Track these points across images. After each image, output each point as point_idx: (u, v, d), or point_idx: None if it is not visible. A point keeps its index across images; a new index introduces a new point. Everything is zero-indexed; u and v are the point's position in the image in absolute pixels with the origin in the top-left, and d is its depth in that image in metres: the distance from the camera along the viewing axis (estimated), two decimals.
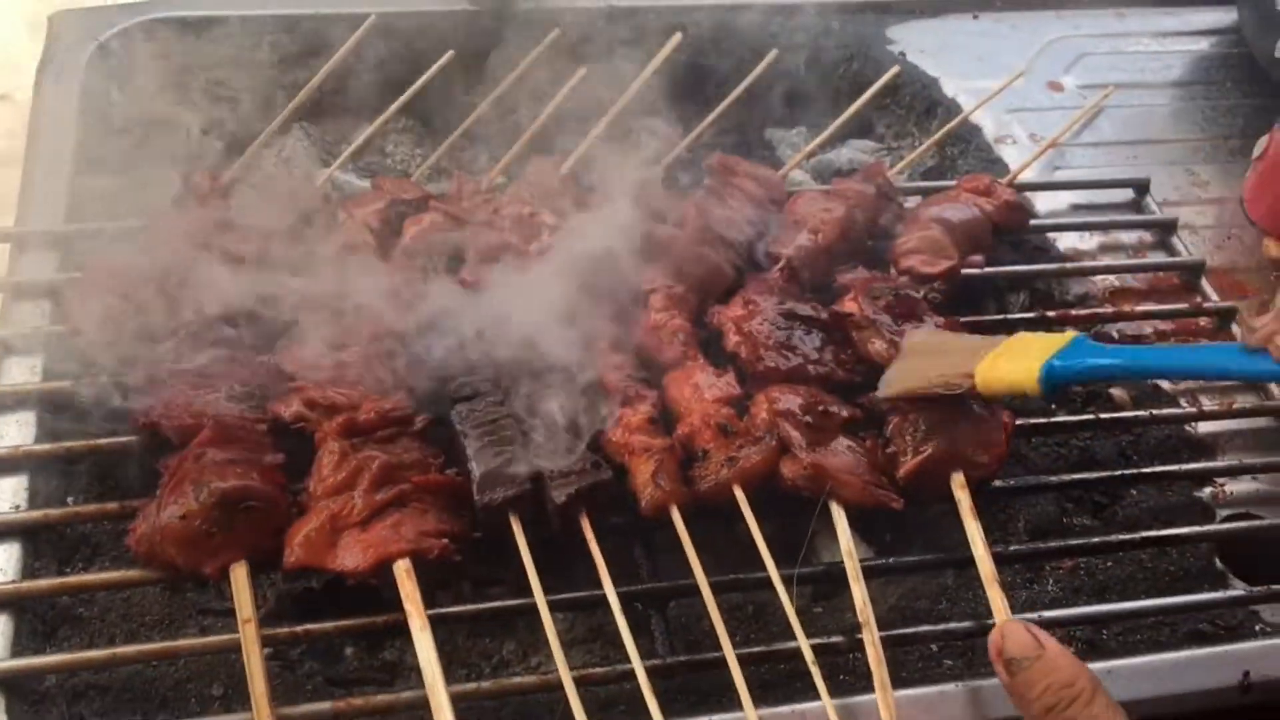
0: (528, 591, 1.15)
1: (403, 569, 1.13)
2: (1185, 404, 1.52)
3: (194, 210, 1.46)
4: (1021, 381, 1.17)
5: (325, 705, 1.10)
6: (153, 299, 1.35)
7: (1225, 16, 2.17)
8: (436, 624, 1.12)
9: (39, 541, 1.23)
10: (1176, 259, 1.71)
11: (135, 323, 1.32)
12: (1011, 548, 1.31)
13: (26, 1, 3.67)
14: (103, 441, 1.27)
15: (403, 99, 1.70)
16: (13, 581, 1.17)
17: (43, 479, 1.27)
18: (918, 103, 1.98)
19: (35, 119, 1.68)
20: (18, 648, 1.13)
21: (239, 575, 1.13)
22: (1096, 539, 1.33)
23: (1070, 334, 1.22)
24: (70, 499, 1.28)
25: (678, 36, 1.79)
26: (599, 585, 1.16)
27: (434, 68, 1.73)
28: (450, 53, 1.74)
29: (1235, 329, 1.60)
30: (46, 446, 1.27)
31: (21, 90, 3.80)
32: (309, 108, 1.72)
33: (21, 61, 3.64)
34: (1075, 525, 1.40)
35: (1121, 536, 1.33)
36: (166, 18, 1.86)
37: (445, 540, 1.16)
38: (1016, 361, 1.19)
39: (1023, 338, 1.24)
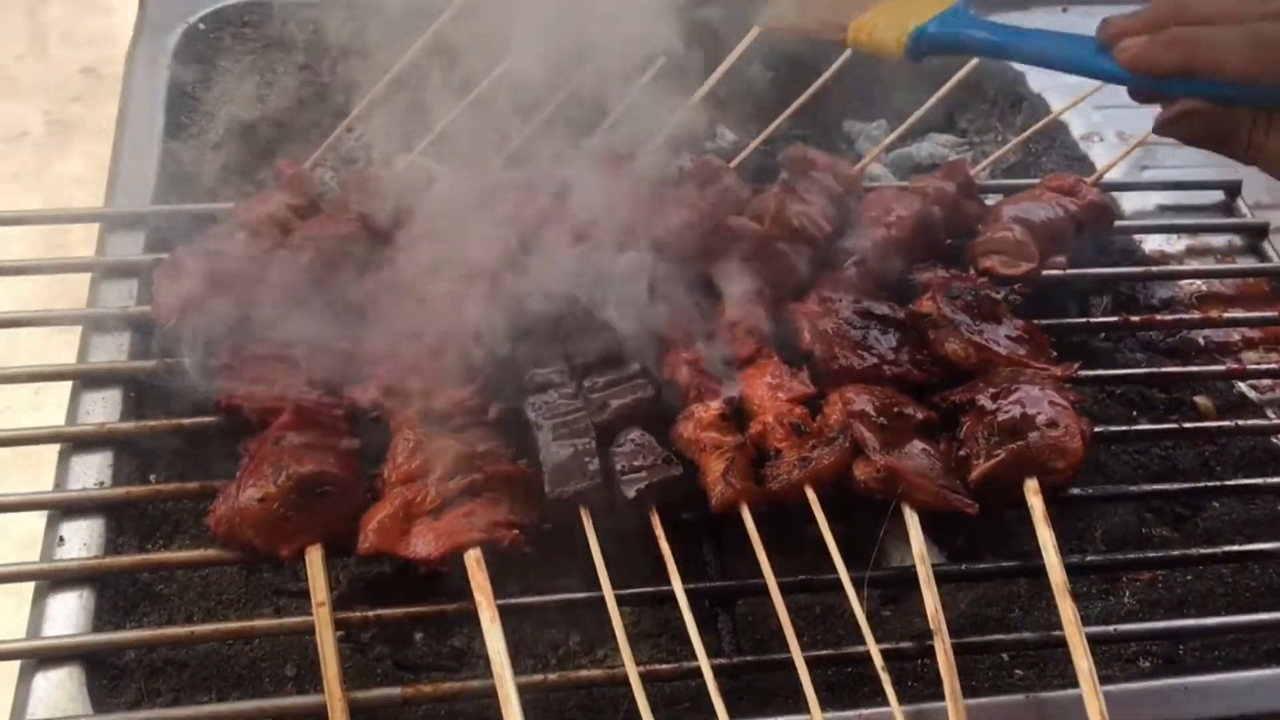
0: (595, 584, 1.15)
1: (474, 558, 1.13)
2: (1273, 415, 1.48)
3: (277, 195, 1.47)
4: (889, 44, 1.07)
5: (395, 690, 1.11)
6: (236, 283, 1.37)
7: None
8: (505, 613, 1.12)
9: (122, 518, 1.26)
10: (1267, 265, 1.66)
11: (219, 306, 1.34)
12: (1087, 558, 1.29)
13: None
14: (185, 421, 1.29)
15: (479, 88, 1.70)
16: (95, 557, 1.19)
17: (126, 457, 1.30)
18: (1002, 97, 1.94)
19: (125, 97, 1.71)
20: (99, 622, 1.16)
21: (314, 558, 1.15)
22: (1176, 552, 1.30)
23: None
24: (153, 477, 1.30)
25: (756, 29, 1.77)
26: (667, 581, 1.16)
27: (508, 60, 1.72)
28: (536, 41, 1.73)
29: None
30: (131, 424, 1.30)
31: (108, 64, 3.87)
32: (394, 93, 1.73)
33: (106, 37, 3.70)
34: (1154, 537, 1.36)
35: (1202, 550, 1.30)
36: (255, 1, 1.88)
37: (516, 531, 1.16)
38: (892, 21, 1.07)
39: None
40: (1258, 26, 0.83)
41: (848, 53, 1.78)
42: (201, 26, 1.83)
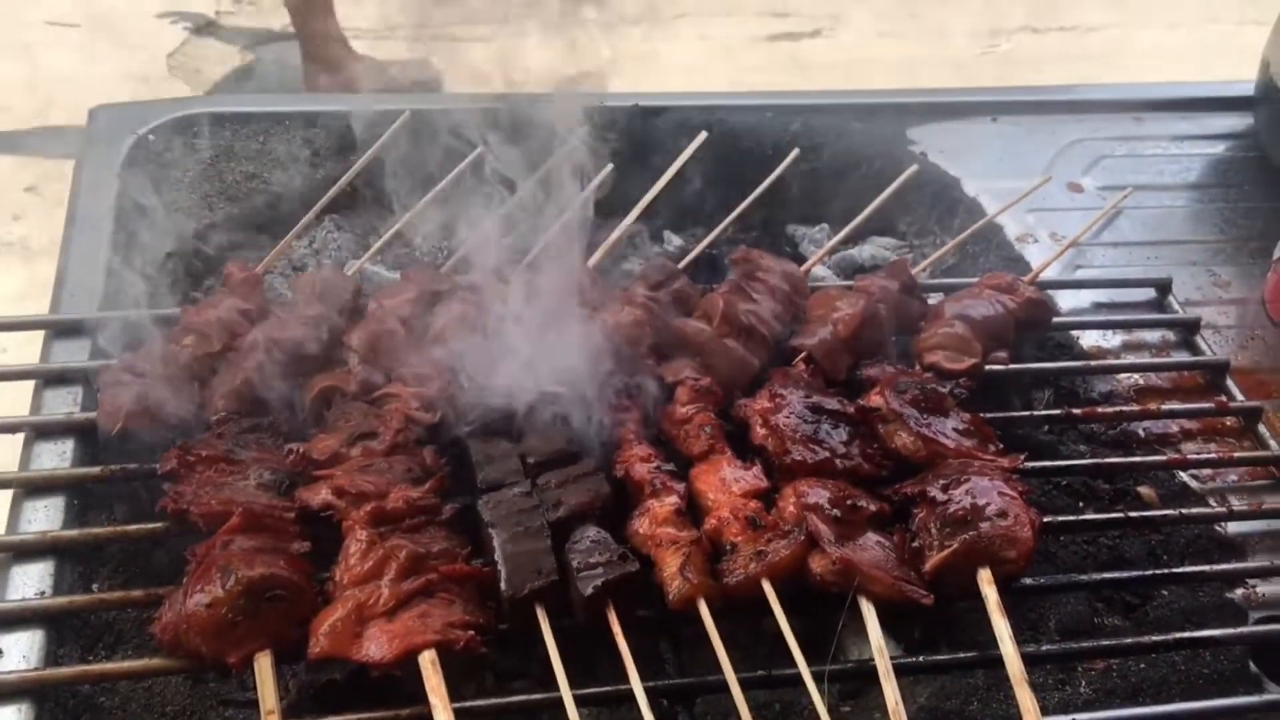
0: (552, 685, 1.14)
1: (428, 660, 1.12)
2: (1214, 503, 1.51)
3: (227, 299, 1.47)
4: None
5: None
6: (183, 387, 1.36)
7: (1241, 121, 2.21)
8: (460, 717, 1.10)
9: (63, 628, 1.22)
10: (1201, 358, 1.72)
11: (166, 410, 1.33)
12: (1043, 647, 1.29)
13: (58, 100, 3.77)
14: (130, 528, 1.27)
15: (430, 195, 1.73)
16: (35, 669, 1.16)
17: (69, 565, 1.27)
18: (939, 202, 2.01)
19: (73, 205, 1.72)
20: None
21: (263, 665, 1.12)
22: (1129, 640, 1.32)
23: None
24: (95, 585, 1.28)
25: (703, 135, 1.83)
26: (624, 679, 1.15)
27: (463, 163, 1.76)
28: (479, 149, 1.77)
29: (1261, 429, 1.60)
30: (74, 532, 1.28)
31: (48, 182, 3.88)
32: (340, 201, 1.75)
33: (48, 156, 3.71)
34: (1107, 625, 1.38)
35: (1155, 638, 1.31)
36: (203, 113, 1.91)
37: (471, 631, 1.15)
38: None
39: None
40: None
41: (788, 160, 1.85)
42: (151, 138, 1.85)
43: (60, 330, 1.51)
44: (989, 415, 1.46)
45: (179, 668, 1.16)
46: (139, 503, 1.31)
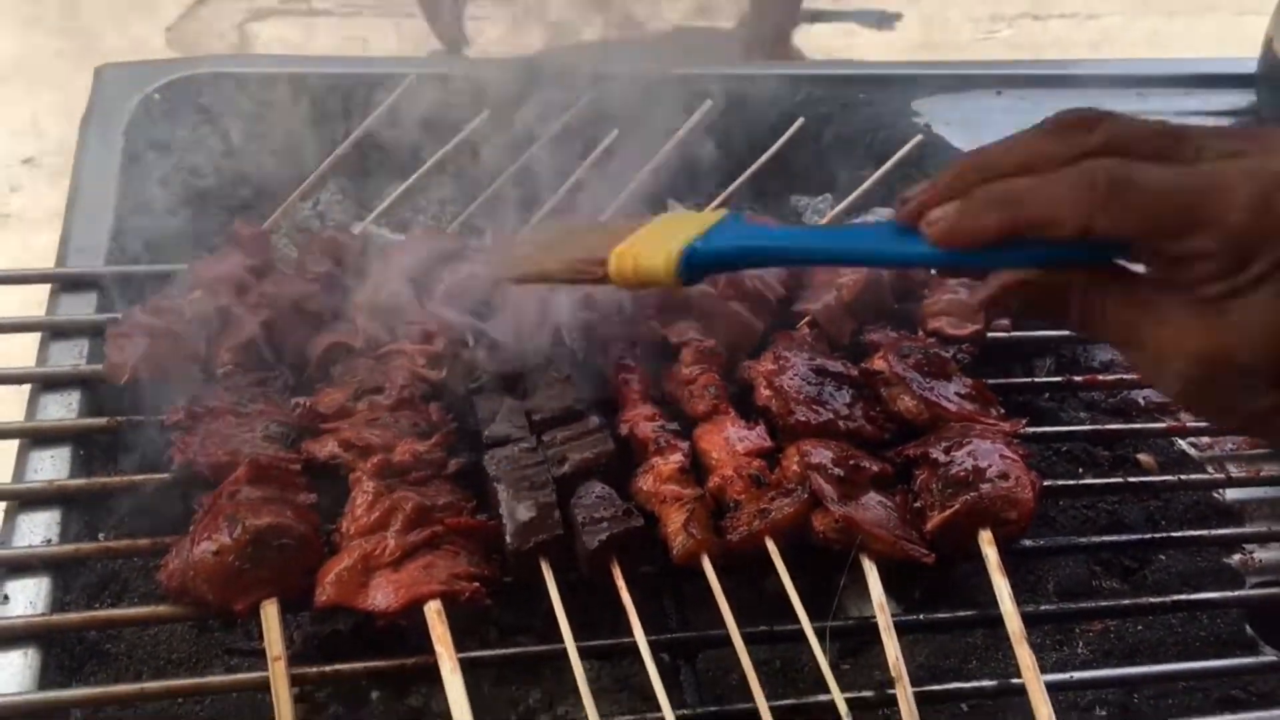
0: (555, 638, 1.14)
1: (434, 610, 1.12)
2: (1212, 470, 1.52)
3: (234, 255, 1.48)
4: (658, 269, 0.91)
5: None
6: (190, 340, 1.37)
7: (1243, 98, 2.21)
8: (464, 667, 1.10)
9: (69, 576, 1.23)
10: None
11: (173, 362, 1.34)
12: (1042, 607, 1.30)
13: (57, 73, 3.76)
14: (138, 478, 1.27)
15: (434, 159, 1.73)
16: (41, 614, 1.16)
17: (75, 514, 1.27)
18: (940, 172, 1.99)
19: (79, 164, 1.71)
20: (44, 681, 1.12)
21: (269, 612, 1.13)
22: (1127, 601, 1.33)
23: (721, 213, 0.97)
24: (102, 535, 1.28)
25: (708, 103, 1.83)
26: (628, 633, 1.15)
27: (466, 129, 1.76)
28: (485, 113, 1.77)
29: None
30: (80, 481, 1.28)
31: (46, 156, 3.88)
32: (346, 163, 1.75)
33: (46, 129, 3.71)
34: (1104, 588, 1.39)
35: (1152, 600, 1.32)
36: (210, 73, 1.91)
37: (476, 583, 1.15)
38: (657, 245, 0.92)
39: (670, 218, 1.01)
40: (1084, 167, 0.68)
41: (793, 128, 1.85)
42: (157, 97, 1.85)
43: (66, 284, 1.50)
44: (991, 381, 1.47)
45: (185, 615, 1.16)
46: (146, 454, 1.30)
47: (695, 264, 0.91)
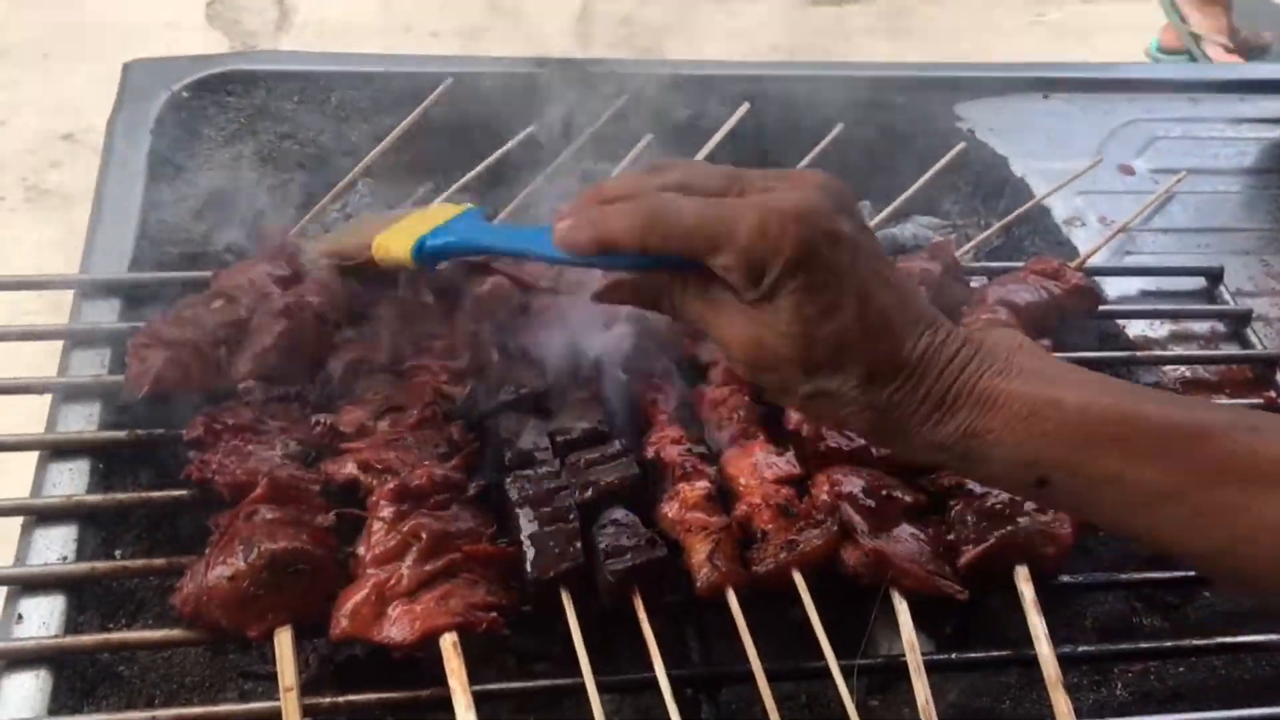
0: (574, 670, 1.11)
1: (449, 643, 1.10)
2: None
3: (260, 264, 1.45)
4: (402, 255, 1.14)
5: None
6: (212, 352, 1.34)
7: None
8: (479, 700, 1.08)
9: (84, 595, 1.21)
10: (1251, 351, 1.66)
11: (193, 375, 1.31)
12: (1079, 648, 1.26)
13: (95, 48, 3.78)
14: (155, 495, 1.26)
15: (476, 170, 1.70)
16: (55, 636, 1.15)
17: (91, 531, 1.25)
18: (985, 181, 1.96)
19: (104, 165, 1.69)
20: (55, 704, 1.11)
21: (283, 640, 1.10)
22: (1169, 643, 1.28)
23: (463, 207, 1.19)
24: (118, 552, 1.26)
25: (745, 106, 1.79)
26: (648, 666, 1.12)
27: (512, 141, 1.72)
28: (531, 127, 1.73)
29: None
30: (98, 497, 1.26)
31: (86, 133, 3.90)
32: (377, 165, 1.72)
33: (85, 104, 3.72)
34: (1145, 626, 1.34)
35: (1195, 642, 1.28)
36: (238, 70, 1.88)
37: (494, 614, 1.13)
38: (405, 235, 1.15)
39: (427, 212, 1.21)
40: (648, 200, 0.85)
41: (832, 134, 1.80)
42: (185, 94, 1.82)
43: (89, 290, 1.48)
44: None
45: (199, 639, 1.14)
46: (164, 469, 1.28)
47: (426, 253, 1.12)
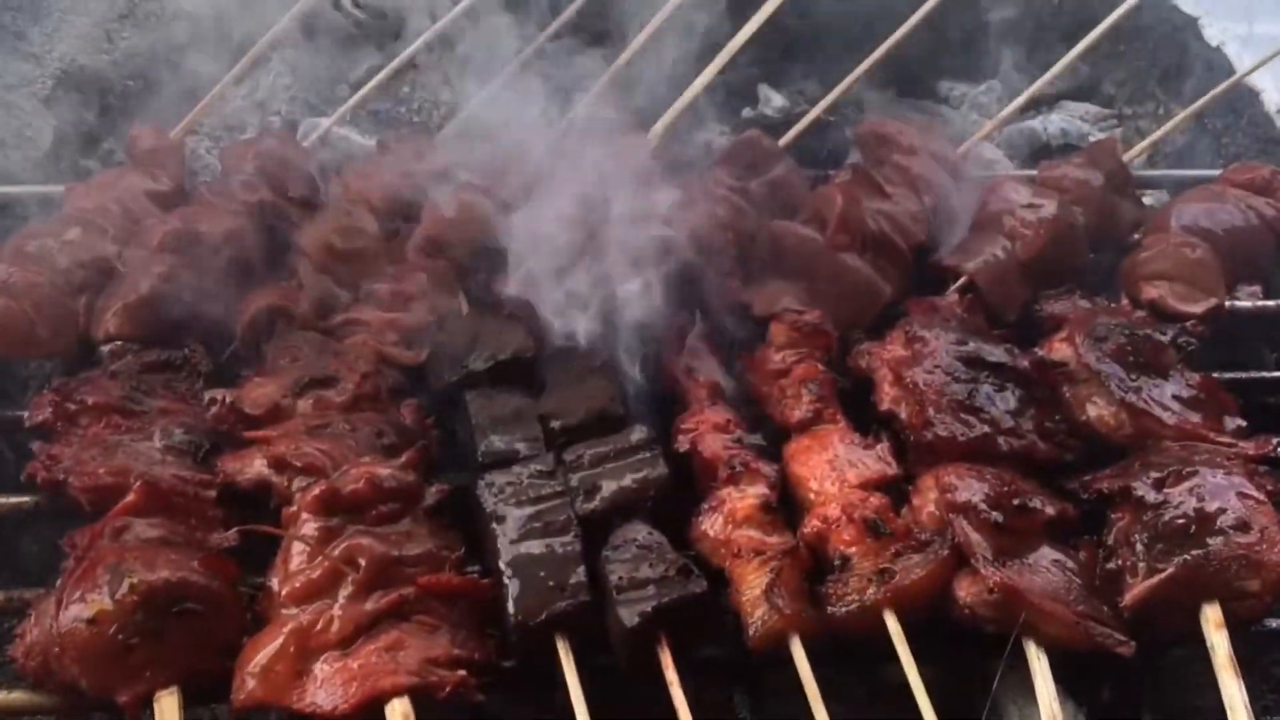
0: None
1: (400, 713, 1.09)
2: None
3: (130, 175, 1.46)
4: None
5: None
6: (68, 302, 1.35)
7: None
8: None
9: None
10: None
11: (41, 333, 1.32)
12: None
13: None
14: None
15: (437, 25, 1.69)
16: None
17: None
18: (1165, 52, 1.96)
19: None
20: None
21: (167, 708, 1.11)
22: None
23: None
24: None
25: None
26: None
27: None
28: None
29: None
30: None
31: None
32: (299, 32, 1.71)
33: None
34: None
35: None
36: None
37: (461, 672, 1.13)
38: None
39: None
40: None
41: None
42: None
43: None
44: (1228, 376, 1.43)
45: (50, 706, 1.15)
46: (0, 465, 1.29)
47: None
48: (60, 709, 1.16)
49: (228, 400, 1.30)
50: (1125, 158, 1.62)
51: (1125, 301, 1.50)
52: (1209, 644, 1.20)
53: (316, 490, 1.20)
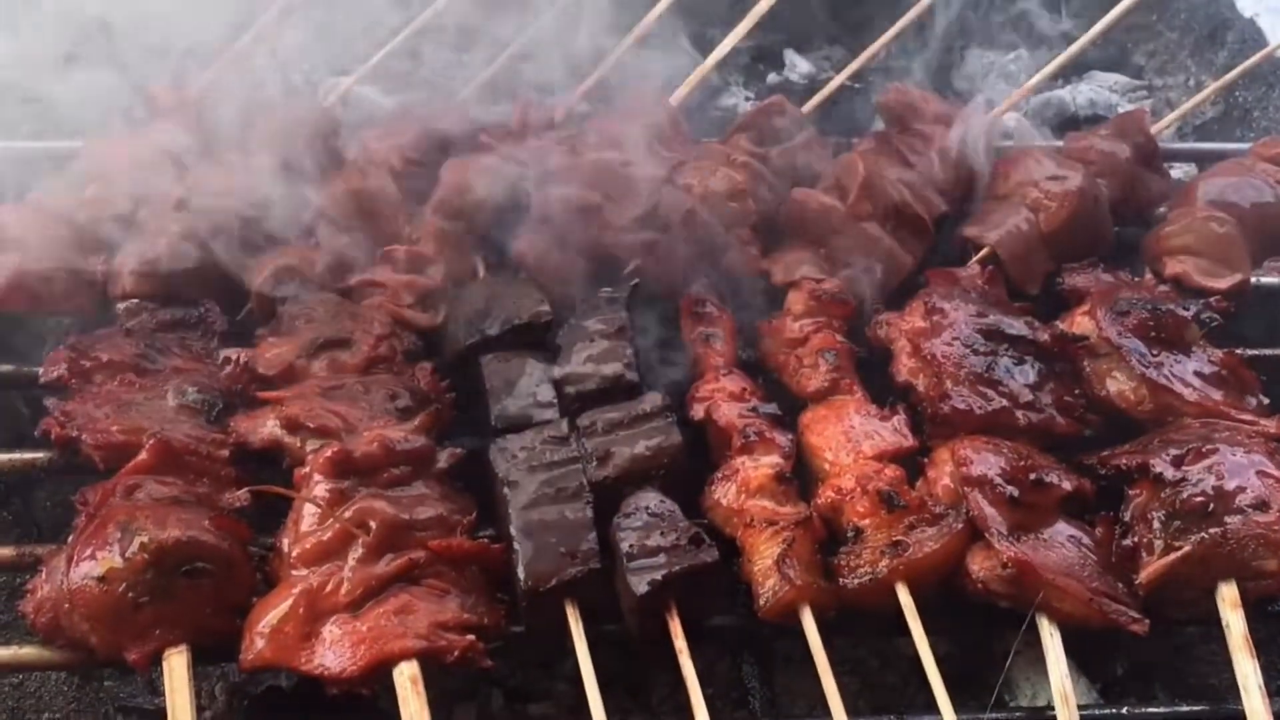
0: (582, 715, 1.11)
1: (407, 676, 1.09)
2: None
3: (150, 133, 1.46)
4: None
5: None
6: (84, 260, 1.35)
7: None
8: None
9: None
10: None
11: (56, 290, 1.32)
12: None
13: None
14: (1, 457, 1.26)
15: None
16: None
17: None
18: (1197, 22, 1.94)
19: None
20: None
21: (176, 666, 1.11)
22: None
23: None
24: None
25: None
26: (688, 714, 1.12)
27: None
28: None
29: None
30: None
31: None
32: None
33: None
34: None
35: None
36: None
37: (470, 636, 1.13)
38: None
39: None
40: None
41: None
42: None
43: None
44: (1252, 353, 1.42)
45: (60, 661, 1.15)
46: (13, 421, 1.29)
47: None
48: (70, 665, 1.17)
49: (242, 360, 1.30)
50: (1153, 130, 1.60)
51: (1149, 275, 1.48)
52: (1224, 623, 1.20)
53: (329, 452, 1.20)
